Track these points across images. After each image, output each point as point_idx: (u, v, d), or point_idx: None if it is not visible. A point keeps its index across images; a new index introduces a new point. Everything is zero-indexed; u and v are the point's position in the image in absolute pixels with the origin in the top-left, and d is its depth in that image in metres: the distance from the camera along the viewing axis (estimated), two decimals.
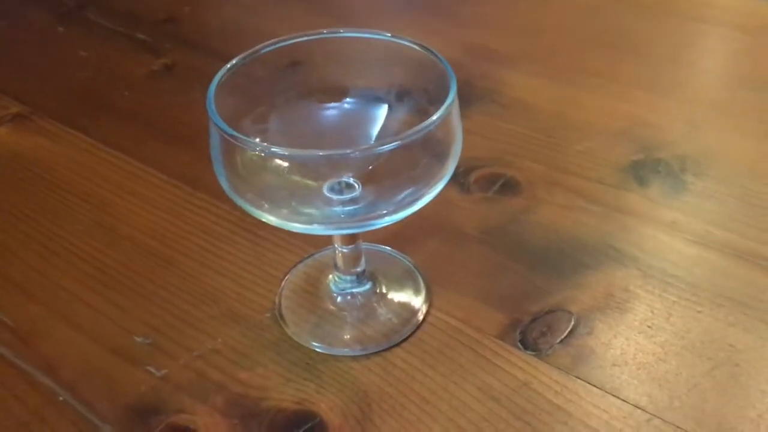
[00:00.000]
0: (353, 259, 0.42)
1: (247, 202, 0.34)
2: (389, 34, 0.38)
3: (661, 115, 0.57)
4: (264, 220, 0.34)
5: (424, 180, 0.34)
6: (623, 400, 0.37)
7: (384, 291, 0.43)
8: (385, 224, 0.34)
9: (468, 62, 0.65)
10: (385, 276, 0.44)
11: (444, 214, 0.49)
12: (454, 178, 0.50)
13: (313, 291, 0.44)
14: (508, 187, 0.51)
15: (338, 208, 0.34)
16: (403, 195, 0.33)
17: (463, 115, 0.57)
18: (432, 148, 0.33)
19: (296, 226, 0.34)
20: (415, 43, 0.37)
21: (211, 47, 0.69)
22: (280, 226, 0.34)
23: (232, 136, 0.32)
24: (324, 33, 0.39)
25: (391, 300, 0.43)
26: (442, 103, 0.35)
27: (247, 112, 0.38)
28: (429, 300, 0.43)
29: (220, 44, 0.70)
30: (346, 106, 0.40)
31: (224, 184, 0.35)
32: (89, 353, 0.41)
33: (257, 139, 0.37)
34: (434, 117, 0.32)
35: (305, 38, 0.39)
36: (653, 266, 0.44)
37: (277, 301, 0.43)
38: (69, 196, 0.53)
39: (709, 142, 0.54)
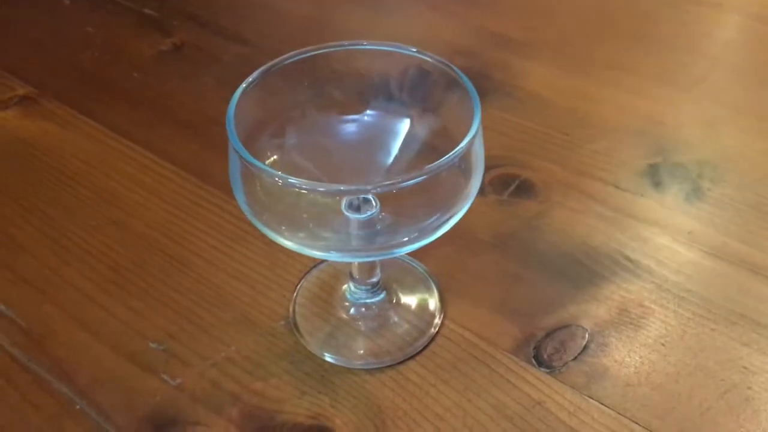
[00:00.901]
0: (369, 269, 0.42)
1: (264, 224, 0.34)
2: (414, 49, 0.37)
3: (679, 114, 0.56)
4: (281, 244, 0.34)
5: (446, 206, 0.33)
6: (636, 423, 0.38)
7: (398, 301, 0.43)
8: (406, 252, 0.33)
9: (483, 50, 0.63)
10: (399, 284, 0.44)
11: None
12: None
13: (327, 299, 0.44)
14: (523, 189, 0.50)
15: (356, 235, 0.34)
16: (425, 223, 0.33)
17: None
18: (454, 176, 0.32)
19: (314, 253, 0.33)
20: (440, 61, 0.36)
21: (220, 25, 0.68)
22: (297, 251, 0.34)
23: (252, 164, 0.31)
24: (346, 45, 0.37)
25: (406, 310, 0.43)
26: (464, 120, 0.34)
27: (264, 126, 0.37)
28: (443, 310, 0.43)
29: (230, 22, 0.69)
30: (366, 119, 0.39)
31: (242, 206, 0.34)
32: (104, 359, 0.41)
33: (275, 156, 0.37)
34: (462, 145, 0.31)
35: (325, 50, 0.37)
36: (668, 279, 0.44)
37: (291, 308, 0.43)
38: (79, 188, 0.52)
39: (727, 144, 0.53)
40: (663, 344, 0.41)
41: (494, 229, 0.48)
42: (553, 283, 0.44)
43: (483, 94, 0.59)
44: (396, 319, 0.42)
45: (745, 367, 0.40)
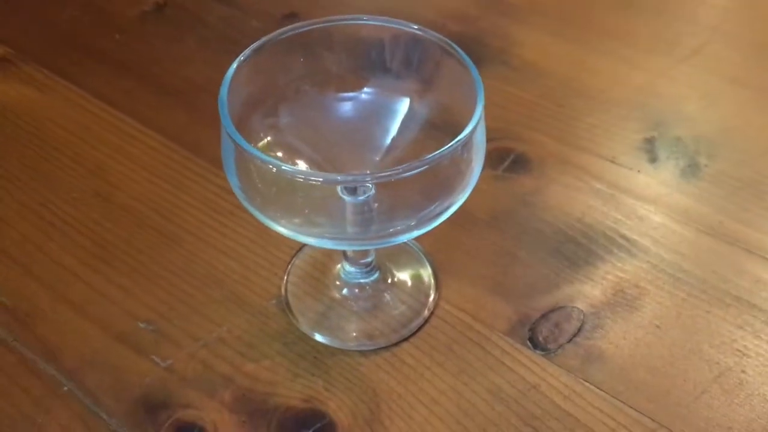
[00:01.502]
0: (363, 251, 0.41)
1: (258, 209, 0.33)
2: (416, 26, 0.35)
3: (678, 85, 0.55)
4: (276, 230, 0.33)
5: (446, 194, 0.32)
6: (630, 407, 0.38)
7: (392, 281, 0.43)
8: (403, 240, 0.33)
9: (480, 14, 0.62)
10: (393, 263, 0.43)
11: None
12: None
13: (320, 278, 0.43)
14: (519, 164, 0.50)
15: (351, 220, 0.33)
16: (424, 211, 0.32)
17: None
18: (455, 163, 0.31)
19: (309, 240, 0.32)
20: (442, 39, 0.35)
21: None
22: (292, 238, 0.33)
23: (247, 151, 0.30)
24: (343, 20, 0.36)
25: (400, 290, 0.42)
26: (465, 99, 0.33)
27: (257, 104, 0.35)
28: (438, 290, 0.42)
29: None
30: (363, 96, 0.37)
31: (236, 190, 0.33)
32: (92, 339, 0.41)
33: (268, 138, 0.36)
34: (464, 134, 0.30)
35: (323, 24, 0.36)
36: (664, 259, 0.44)
37: (283, 287, 0.43)
38: (63, 158, 0.50)
39: (724, 118, 0.53)
40: (658, 326, 0.41)
41: (489, 206, 0.47)
42: (548, 262, 0.44)
43: (478, 63, 0.57)
44: (390, 299, 0.42)
45: (739, 350, 0.40)
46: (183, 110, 0.54)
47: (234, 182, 0.33)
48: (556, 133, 0.52)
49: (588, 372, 0.39)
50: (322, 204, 0.32)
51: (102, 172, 0.50)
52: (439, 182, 0.31)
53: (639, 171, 0.49)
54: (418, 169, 0.29)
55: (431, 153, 0.30)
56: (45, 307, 0.42)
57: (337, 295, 0.42)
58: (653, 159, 0.50)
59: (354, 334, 0.41)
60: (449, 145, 0.30)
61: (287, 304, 0.42)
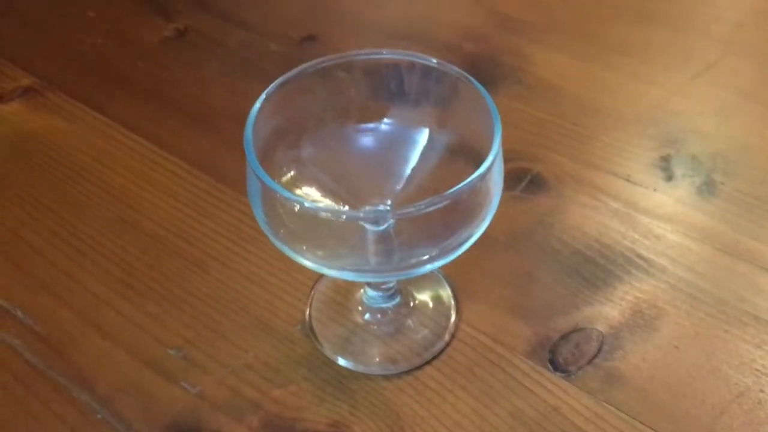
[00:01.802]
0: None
1: (282, 241, 0.34)
2: (435, 60, 0.36)
3: (692, 102, 0.56)
4: (300, 263, 0.34)
5: (465, 225, 0.33)
6: (650, 428, 0.38)
7: (414, 304, 0.44)
8: (425, 271, 0.33)
9: (492, 33, 0.63)
10: (414, 286, 0.44)
11: (455, 184, 0.48)
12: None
13: (342, 302, 0.44)
14: (535, 184, 0.50)
15: (373, 250, 0.34)
16: (444, 243, 0.33)
17: None
18: (475, 195, 0.32)
19: (332, 273, 0.33)
20: (462, 74, 0.35)
21: (222, 9, 0.67)
22: (316, 270, 0.34)
23: (272, 189, 0.31)
24: (362, 54, 0.37)
25: (422, 314, 0.43)
26: (482, 130, 0.34)
27: (280, 137, 0.36)
28: (458, 313, 0.43)
29: (232, 4, 0.67)
30: (383, 127, 0.38)
31: (261, 224, 0.34)
32: (124, 366, 0.42)
33: (292, 172, 0.37)
34: (482, 169, 0.31)
35: (343, 59, 0.37)
36: (682, 278, 0.44)
37: (307, 312, 0.44)
38: (90, 185, 0.52)
39: (739, 134, 0.53)
40: (676, 346, 0.42)
41: (508, 227, 0.48)
42: (566, 283, 0.45)
43: (493, 82, 0.59)
44: (412, 323, 0.43)
45: (757, 370, 0.40)
46: (205, 136, 0.55)
47: (260, 216, 0.34)
48: (572, 152, 0.52)
49: (608, 393, 0.40)
50: (344, 235, 0.33)
51: (128, 199, 0.51)
52: (459, 213, 0.32)
53: (655, 189, 0.50)
54: (438, 205, 0.30)
55: (451, 180, 0.31)
56: (77, 335, 0.43)
57: (360, 320, 0.43)
58: (669, 177, 0.50)
59: (377, 358, 0.41)
60: (468, 179, 0.31)
61: (311, 329, 0.43)
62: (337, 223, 0.33)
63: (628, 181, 0.50)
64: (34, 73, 0.61)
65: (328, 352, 0.42)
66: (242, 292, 0.45)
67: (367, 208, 0.38)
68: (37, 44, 0.64)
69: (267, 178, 0.31)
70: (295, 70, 0.36)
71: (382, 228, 0.37)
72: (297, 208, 0.30)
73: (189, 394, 0.41)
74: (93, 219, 0.50)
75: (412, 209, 0.30)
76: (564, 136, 0.54)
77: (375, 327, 0.43)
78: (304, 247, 0.33)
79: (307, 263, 0.33)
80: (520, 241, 0.47)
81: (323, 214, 0.31)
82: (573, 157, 0.52)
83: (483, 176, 0.31)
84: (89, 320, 0.44)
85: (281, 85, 0.35)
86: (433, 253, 0.33)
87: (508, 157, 0.52)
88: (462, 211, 0.32)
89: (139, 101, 0.58)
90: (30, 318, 0.44)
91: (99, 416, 0.40)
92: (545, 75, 0.59)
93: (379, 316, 0.43)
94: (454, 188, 0.30)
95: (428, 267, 0.33)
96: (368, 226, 0.37)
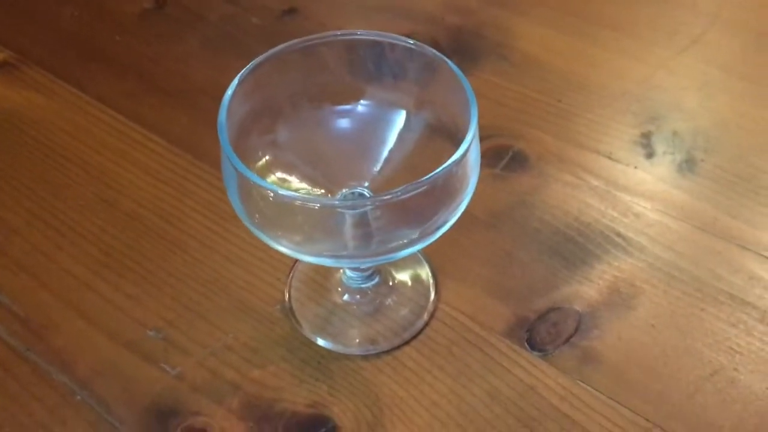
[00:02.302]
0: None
1: (257, 227, 0.33)
2: (412, 41, 0.35)
3: (676, 77, 0.55)
4: (277, 249, 0.34)
5: (443, 209, 0.33)
6: (625, 407, 0.39)
7: (393, 284, 0.44)
8: (404, 255, 0.33)
9: (476, 6, 0.62)
10: (393, 266, 0.44)
11: (434, 167, 0.48)
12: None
13: (322, 282, 0.44)
14: (517, 161, 0.50)
15: (351, 235, 0.34)
16: (421, 228, 0.33)
17: (471, 74, 0.56)
18: (453, 180, 0.32)
19: (310, 259, 0.33)
20: (438, 56, 0.35)
21: None
22: (294, 257, 0.34)
23: (248, 178, 0.30)
24: (338, 35, 0.36)
25: (401, 293, 0.43)
26: (461, 115, 0.34)
27: (255, 120, 0.36)
28: (437, 292, 0.43)
29: None
30: (360, 109, 0.38)
31: (237, 210, 0.34)
32: (103, 348, 0.42)
33: (267, 157, 0.36)
34: (458, 154, 0.31)
35: (317, 41, 0.36)
36: (660, 257, 0.45)
37: (286, 292, 0.44)
38: (68, 164, 0.51)
39: (722, 111, 0.53)
40: (653, 325, 0.42)
41: (488, 206, 0.48)
42: (546, 262, 0.45)
43: (476, 57, 0.58)
44: (391, 302, 0.43)
45: (731, 348, 0.41)
46: (185, 112, 0.55)
47: (235, 201, 0.34)
48: (554, 129, 0.52)
49: (584, 373, 0.40)
50: (320, 221, 0.33)
51: (106, 178, 0.51)
52: (436, 198, 0.32)
53: (636, 167, 0.50)
54: (415, 191, 0.30)
55: (429, 162, 0.31)
56: (56, 317, 0.43)
57: (339, 300, 0.43)
58: (650, 154, 0.50)
59: (356, 338, 0.42)
60: (445, 164, 0.31)
61: (291, 309, 0.43)
62: (313, 210, 0.32)
63: (610, 158, 0.50)
64: (9, 46, 0.60)
65: (307, 332, 0.42)
66: (221, 272, 0.45)
67: (344, 191, 0.38)
68: (12, 16, 0.63)
69: (240, 165, 0.31)
70: (268, 52, 0.35)
71: (358, 212, 0.37)
72: (271, 195, 0.30)
73: (168, 375, 0.41)
74: (72, 198, 0.49)
75: (389, 196, 0.30)
76: (547, 112, 0.53)
77: (354, 307, 0.43)
78: (280, 233, 0.33)
79: (284, 249, 0.33)
80: (500, 220, 0.47)
81: (298, 203, 0.30)
82: (555, 134, 0.52)
83: (459, 161, 0.31)
84: (68, 302, 0.44)
85: (255, 67, 0.35)
86: (412, 237, 0.33)
87: (489, 133, 0.52)
88: (439, 196, 0.32)
89: (117, 77, 0.58)
90: (8, 299, 0.44)
91: (78, 398, 0.40)
92: (530, 50, 0.58)
93: (358, 296, 0.43)
94: (431, 174, 0.30)
95: (406, 251, 0.33)
96: (345, 211, 0.37)
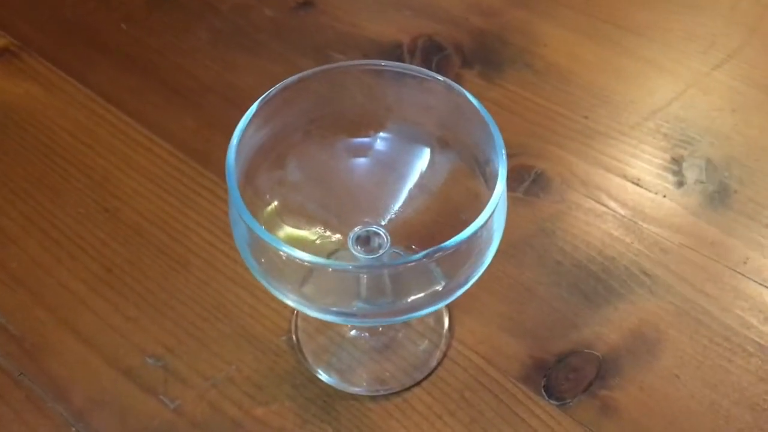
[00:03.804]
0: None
1: (262, 275, 0.31)
2: (441, 78, 0.32)
3: (710, 96, 0.52)
4: (285, 302, 0.32)
5: (465, 266, 0.31)
6: None
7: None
8: (419, 316, 0.31)
9: (504, 7, 0.58)
10: None
11: (458, 210, 0.46)
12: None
13: None
14: (539, 184, 0.48)
15: (364, 303, 0.31)
16: (443, 286, 0.30)
17: (495, 83, 0.54)
18: (479, 239, 0.30)
19: (317, 314, 0.31)
20: (467, 95, 0.32)
21: None
22: (302, 311, 0.32)
23: (258, 235, 0.28)
24: (360, 64, 0.33)
25: (413, 329, 0.41)
26: (488, 154, 0.31)
27: (264, 154, 0.33)
28: (451, 329, 0.41)
29: None
30: (378, 142, 0.35)
31: (243, 255, 0.32)
32: (100, 375, 0.40)
33: (275, 202, 0.34)
34: (486, 214, 0.28)
35: (335, 68, 0.33)
36: (687, 299, 0.42)
37: (293, 321, 0.42)
38: (69, 167, 0.49)
39: (759, 135, 0.50)
40: (677, 375, 0.40)
41: (507, 234, 0.44)
42: (566, 299, 0.43)
43: (500, 64, 0.55)
44: (402, 338, 0.41)
45: (758, 404, 0.39)
46: (191, 113, 0.52)
47: (242, 247, 0.32)
48: (580, 149, 0.49)
49: (603, 425, 0.38)
50: (332, 277, 0.31)
51: (108, 184, 0.48)
52: (459, 256, 0.30)
53: (665, 196, 0.47)
54: (436, 255, 0.28)
55: (452, 203, 0.29)
56: (53, 337, 0.42)
57: (349, 334, 0.41)
58: (680, 182, 0.48)
59: (365, 377, 0.40)
60: (471, 228, 0.28)
61: (297, 341, 0.41)
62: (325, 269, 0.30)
63: (638, 185, 0.48)
64: (10, 32, 0.57)
65: (313, 367, 0.40)
66: (226, 295, 0.43)
67: (357, 229, 0.35)
68: (13, 0, 0.60)
69: (252, 220, 0.28)
70: (281, 84, 0.32)
71: (375, 255, 0.35)
72: (284, 256, 0.28)
73: (167, 408, 0.39)
74: (71, 205, 0.47)
75: (406, 260, 0.28)
76: (572, 129, 0.51)
77: (363, 342, 0.41)
78: (289, 288, 0.31)
79: (291, 303, 0.31)
80: (519, 249, 0.45)
81: (307, 263, 0.28)
82: (580, 154, 0.49)
83: (487, 220, 0.28)
84: (65, 321, 0.42)
85: (266, 101, 0.32)
86: (430, 296, 0.31)
87: (511, 151, 0.49)
88: (463, 255, 0.30)
89: (122, 70, 0.55)
90: (3, 316, 0.42)
91: (74, 429, 0.38)
92: (555, 57, 0.55)
93: (367, 330, 0.41)
94: (455, 239, 0.28)
95: (422, 312, 0.31)
96: (358, 254, 0.35)
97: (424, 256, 0.27)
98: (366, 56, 0.55)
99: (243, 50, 0.56)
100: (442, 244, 0.28)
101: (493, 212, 0.29)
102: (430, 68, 0.54)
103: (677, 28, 0.57)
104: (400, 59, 0.55)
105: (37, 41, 0.57)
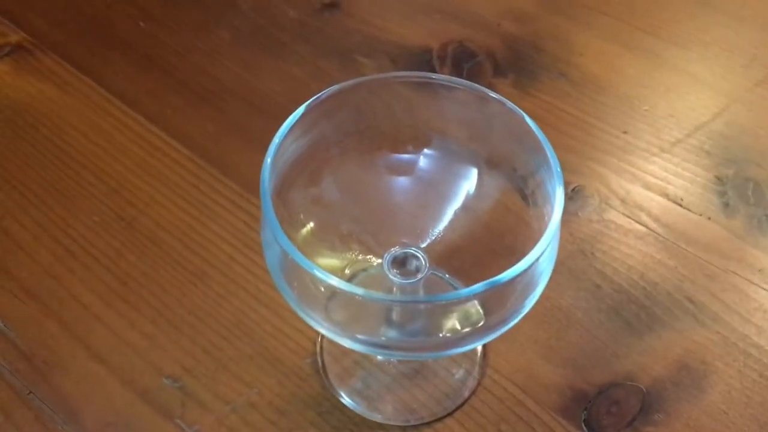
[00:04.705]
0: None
1: (307, 314, 0.29)
2: (494, 94, 0.30)
3: (754, 113, 0.50)
4: (315, 327, 0.29)
5: (510, 304, 0.28)
6: None
7: None
8: (454, 353, 0.29)
9: (539, 13, 0.56)
10: None
11: (504, 235, 0.44)
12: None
13: None
14: (576, 202, 0.45)
15: (394, 330, 0.29)
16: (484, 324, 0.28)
17: (529, 93, 0.51)
18: (528, 277, 0.27)
19: (346, 342, 0.29)
20: (520, 113, 0.30)
21: None
22: (331, 338, 0.29)
23: (295, 260, 0.26)
24: (407, 76, 0.31)
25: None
26: (541, 187, 0.29)
27: (299, 172, 0.31)
28: (485, 356, 0.39)
29: None
30: (422, 159, 0.33)
31: (274, 276, 0.29)
32: (114, 396, 0.38)
33: (311, 224, 0.32)
34: (540, 247, 0.26)
35: (378, 79, 0.31)
36: (735, 330, 0.40)
37: (318, 342, 0.40)
38: (84, 171, 0.47)
39: None
40: (725, 412, 0.38)
41: None
42: (606, 326, 0.40)
43: (534, 74, 0.53)
44: (434, 365, 0.39)
45: None
46: (211, 118, 0.50)
47: (275, 270, 0.29)
48: (619, 165, 0.47)
49: None
50: (364, 306, 0.28)
51: (124, 191, 0.46)
52: (505, 294, 0.28)
53: (709, 218, 0.45)
54: (479, 291, 0.25)
55: (497, 230, 0.27)
56: (64, 354, 0.39)
57: (377, 358, 0.39)
58: (725, 204, 0.45)
59: (394, 405, 0.38)
60: (517, 267, 0.26)
61: (323, 364, 0.39)
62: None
63: (680, 205, 0.45)
64: (25, 28, 0.55)
65: (339, 392, 0.38)
66: (247, 312, 0.41)
67: (394, 250, 0.33)
68: None
69: (289, 245, 0.26)
70: (319, 96, 0.30)
71: (412, 281, 0.32)
72: (321, 288, 0.26)
73: None
74: (85, 213, 0.45)
75: (445, 297, 0.25)
76: (610, 144, 0.48)
77: (392, 366, 0.39)
78: (322, 317, 0.29)
79: (322, 330, 0.29)
80: (556, 271, 0.42)
81: (340, 289, 0.26)
82: (620, 171, 0.47)
83: (538, 259, 0.26)
84: (78, 336, 0.40)
85: (302, 116, 0.30)
86: (469, 333, 0.28)
87: None
88: (510, 292, 0.27)
89: (140, 70, 0.53)
90: (12, 330, 0.40)
91: None
92: (592, 68, 0.53)
93: None
94: (510, 273, 0.25)
95: (461, 349, 0.28)
96: (394, 279, 0.33)
97: (475, 294, 0.25)
98: (393, 62, 0.53)
99: (265, 52, 0.54)
100: (494, 279, 0.26)
101: (549, 244, 0.26)
102: (461, 76, 0.52)
103: (718, 39, 0.54)
104: (430, 65, 0.52)
105: (52, 38, 0.54)
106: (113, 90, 0.51)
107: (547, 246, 0.26)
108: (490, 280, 0.25)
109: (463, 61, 0.53)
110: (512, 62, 0.53)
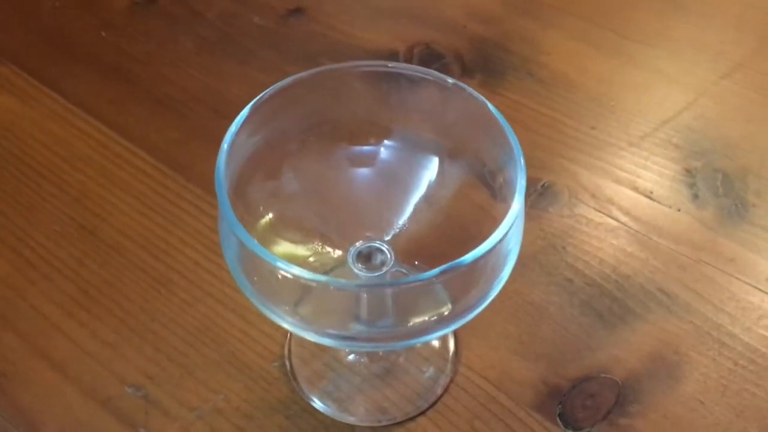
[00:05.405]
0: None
1: (255, 294, 0.28)
2: (451, 80, 0.30)
3: (721, 106, 0.50)
4: (279, 324, 0.29)
5: (475, 290, 0.28)
6: None
7: None
8: (425, 341, 0.28)
9: (505, 15, 0.56)
10: None
11: (475, 230, 0.43)
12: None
13: None
14: (546, 198, 0.45)
15: (363, 326, 0.28)
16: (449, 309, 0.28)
17: (497, 92, 0.51)
18: (493, 257, 0.27)
19: (312, 336, 0.28)
20: (481, 99, 0.29)
21: None
22: (296, 333, 0.29)
23: (251, 250, 0.25)
24: (362, 65, 0.31)
25: (416, 353, 0.38)
26: (502, 162, 0.29)
27: (258, 163, 0.30)
28: (457, 353, 0.38)
29: None
30: (382, 151, 0.32)
31: (233, 273, 0.29)
32: (75, 406, 0.37)
33: (270, 215, 0.31)
34: (501, 231, 0.26)
35: (335, 70, 0.31)
36: (708, 320, 0.40)
37: (286, 346, 0.39)
38: (44, 182, 0.46)
39: None
40: (701, 401, 0.37)
41: None
42: (579, 320, 0.40)
43: (503, 74, 0.53)
44: (405, 364, 0.38)
45: None
46: (175, 125, 0.49)
47: (233, 264, 0.28)
48: (588, 161, 0.47)
49: None
50: (330, 296, 0.28)
51: (87, 200, 0.45)
52: (470, 278, 0.27)
53: (679, 209, 0.44)
54: (448, 274, 0.25)
55: (462, 219, 0.26)
56: (23, 366, 0.38)
57: (347, 358, 0.38)
58: (695, 195, 0.45)
59: (364, 406, 0.37)
60: (483, 246, 0.25)
61: (291, 367, 0.38)
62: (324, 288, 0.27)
63: (650, 198, 0.45)
64: None
65: (308, 395, 0.37)
66: (213, 318, 0.40)
67: (358, 244, 0.32)
68: None
69: (244, 234, 0.25)
70: (275, 86, 0.30)
71: (374, 274, 0.32)
72: (280, 275, 0.25)
73: None
74: (46, 223, 0.44)
75: (412, 280, 0.25)
76: (579, 140, 0.48)
77: (363, 367, 0.38)
78: (283, 309, 0.28)
79: (286, 325, 0.28)
80: (527, 266, 0.42)
81: (305, 280, 0.25)
82: (589, 166, 0.47)
83: (504, 237, 0.26)
84: (38, 348, 0.39)
85: (258, 105, 0.29)
86: (437, 320, 0.28)
87: None
88: (475, 275, 0.27)
89: (102, 80, 0.52)
90: None
91: None
92: (560, 67, 0.52)
93: (367, 355, 0.38)
94: (470, 256, 0.25)
95: (429, 336, 0.28)
96: (359, 272, 0.32)
97: (438, 274, 0.25)
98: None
99: (230, 59, 0.53)
100: (456, 261, 0.25)
101: (511, 227, 0.26)
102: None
103: (685, 37, 0.55)
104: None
105: (12, 50, 0.53)
106: (74, 100, 0.50)
107: (510, 227, 0.26)
108: (454, 261, 0.25)
109: (430, 62, 0.53)
110: (479, 63, 0.53)
